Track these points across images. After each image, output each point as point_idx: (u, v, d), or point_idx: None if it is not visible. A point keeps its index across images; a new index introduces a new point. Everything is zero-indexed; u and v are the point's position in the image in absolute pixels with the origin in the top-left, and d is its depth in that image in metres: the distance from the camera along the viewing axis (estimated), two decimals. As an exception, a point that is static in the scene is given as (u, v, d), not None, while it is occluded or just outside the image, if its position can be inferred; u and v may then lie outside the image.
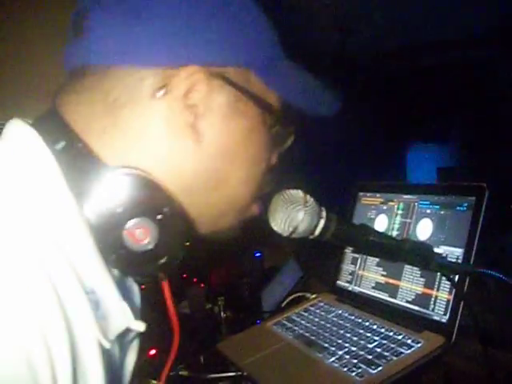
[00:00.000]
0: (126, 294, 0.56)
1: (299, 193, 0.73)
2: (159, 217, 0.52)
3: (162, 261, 0.53)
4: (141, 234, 0.51)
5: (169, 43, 0.52)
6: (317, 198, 0.76)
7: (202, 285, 1.81)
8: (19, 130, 0.52)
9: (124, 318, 0.53)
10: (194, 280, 1.83)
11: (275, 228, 0.74)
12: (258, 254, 2.24)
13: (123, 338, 0.57)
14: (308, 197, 0.74)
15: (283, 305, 1.39)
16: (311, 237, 0.75)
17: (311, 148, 3.66)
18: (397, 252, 0.77)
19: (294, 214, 0.72)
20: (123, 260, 0.52)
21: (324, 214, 0.74)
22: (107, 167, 0.51)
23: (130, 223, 0.50)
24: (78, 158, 0.51)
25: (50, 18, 2.00)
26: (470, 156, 6.13)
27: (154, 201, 0.52)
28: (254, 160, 0.61)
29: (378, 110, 5.01)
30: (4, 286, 0.41)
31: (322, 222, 0.73)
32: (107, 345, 0.49)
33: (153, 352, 1.20)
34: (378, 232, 0.78)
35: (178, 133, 0.54)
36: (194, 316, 1.57)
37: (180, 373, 1.12)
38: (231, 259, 2.03)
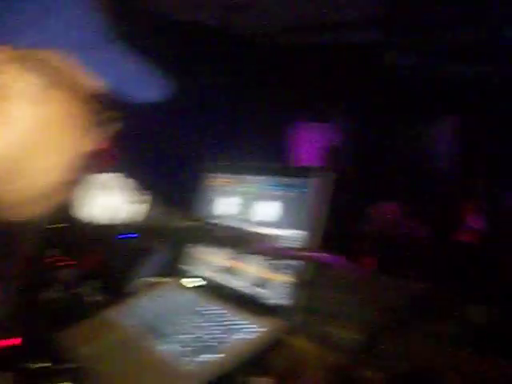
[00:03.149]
0: None
1: (110, 177, 0.67)
2: None
3: None
4: None
5: None
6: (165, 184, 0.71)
7: (73, 267, 1.72)
8: None
9: None
10: (65, 263, 1.74)
11: (87, 217, 0.67)
12: (129, 236, 2.15)
13: None
14: (122, 180, 0.68)
15: (131, 290, 1.33)
16: (121, 223, 0.69)
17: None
18: (217, 238, 0.73)
19: (103, 199, 0.66)
20: None
21: (140, 199, 0.68)
22: None
23: None
24: None
25: None
26: (354, 137, 6.38)
27: None
28: (62, 148, 0.57)
29: (260, 89, 5.03)
30: None
31: (135, 209, 0.68)
32: None
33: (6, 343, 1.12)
34: (197, 218, 0.74)
35: None
36: (64, 300, 1.48)
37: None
38: (104, 241, 1.95)
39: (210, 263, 1.15)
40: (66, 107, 0.55)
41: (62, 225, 1.25)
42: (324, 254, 0.88)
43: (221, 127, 4.52)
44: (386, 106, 5.81)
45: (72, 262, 1.69)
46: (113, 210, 0.67)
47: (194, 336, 0.94)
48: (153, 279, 1.30)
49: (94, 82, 0.57)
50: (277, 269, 0.98)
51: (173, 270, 1.27)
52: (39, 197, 0.59)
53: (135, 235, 2.02)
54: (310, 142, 6.31)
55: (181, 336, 0.95)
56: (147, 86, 0.63)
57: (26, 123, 0.52)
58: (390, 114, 5.86)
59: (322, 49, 5.37)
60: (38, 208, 0.60)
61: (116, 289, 1.59)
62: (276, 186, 1.05)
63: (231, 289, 1.07)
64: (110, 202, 0.67)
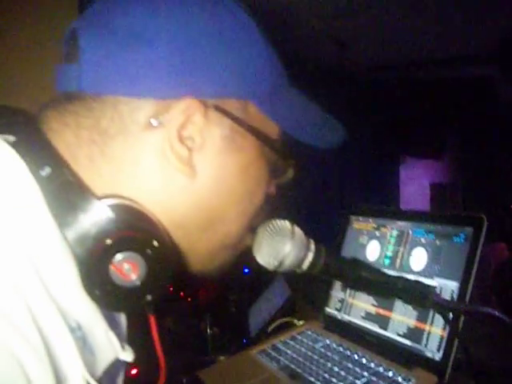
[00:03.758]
0: (112, 322, 0.52)
1: (286, 224, 0.68)
2: (148, 251, 0.48)
3: (148, 298, 0.49)
4: (128, 270, 0.47)
5: (165, 74, 0.49)
6: (305, 225, 0.71)
7: (189, 300, 1.76)
8: (1, 151, 0.47)
9: (112, 349, 0.50)
10: (181, 294, 1.78)
11: (260, 261, 0.68)
12: (246, 270, 2.18)
13: (110, 367, 0.54)
14: (296, 228, 0.69)
15: (269, 330, 1.33)
16: (298, 271, 0.70)
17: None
18: (389, 289, 0.72)
19: (280, 247, 0.66)
20: (108, 296, 0.47)
21: (312, 246, 0.69)
22: (96, 197, 0.48)
23: (117, 257, 0.47)
24: (64, 186, 0.47)
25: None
26: (464, 172, 6.14)
27: (143, 234, 0.48)
28: (250, 195, 0.58)
29: (370, 123, 5.00)
30: None
31: (310, 256, 0.68)
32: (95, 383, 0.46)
33: (134, 371, 1.16)
34: (369, 267, 0.72)
35: (170, 167, 0.51)
36: (179, 332, 1.52)
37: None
38: (219, 274, 1.98)
39: (355, 308, 1.13)
40: (249, 155, 0.56)
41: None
42: (479, 307, 0.84)
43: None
44: (500, 143, 5.55)
45: (189, 295, 1.73)
46: (280, 257, 0.67)
47: (338, 384, 0.93)
48: (294, 321, 1.30)
49: (274, 129, 0.59)
50: (427, 319, 0.95)
51: (315, 312, 1.27)
52: (227, 244, 0.60)
53: (248, 271, 2.04)
54: (419, 179, 6.16)
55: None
56: (321, 131, 0.64)
57: (213, 173, 0.53)
58: (504, 152, 5.59)
59: (433, 84, 5.26)
60: (225, 256, 0.62)
61: (237, 323, 1.60)
62: (425, 232, 1.02)
63: (377, 337, 1.05)
64: (279, 249, 0.67)
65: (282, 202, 0.69)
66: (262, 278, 1.85)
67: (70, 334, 0.44)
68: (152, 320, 0.54)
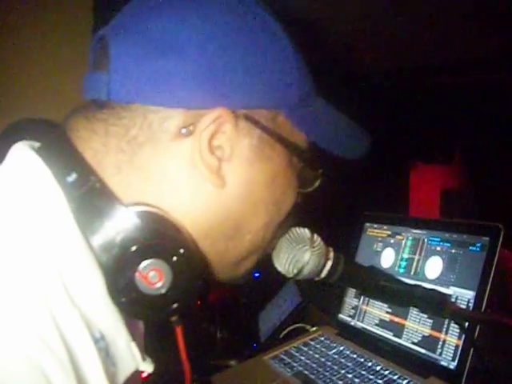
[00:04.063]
0: (131, 332, 0.51)
1: (306, 232, 0.69)
2: (174, 258, 0.47)
3: (174, 306, 0.49)
4: (154, 277, 0.47)
5: (196, 83, 0.49)
6: (322, 232, 0.71)
7: (198, 302, 1.76)
8: (25, 157, 0.48)
9: (133, 360, 0.50)
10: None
11: (279, 268, 0.69)
12: (256, 274, 2.19)
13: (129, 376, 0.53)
14: (315, 236, 0.69)
15: (281, 336, 1.33)
16: (317, 278, 0.70)
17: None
18: (407, 298, 0.72)
19: (300, 255, 0.67)
20: (133, 304, 0.47)
21: (331, 255, 0.69)
22: (122, 204, 0.48)
23: (144, 264, 0.46)
24: (90, 192, 0.47)
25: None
26: (475, 179, 6.09)
27: (170, 241, 0.48)
28: (277, 204, 0.58)
29: (380, 128, 4.96)
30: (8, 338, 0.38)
31: (328, 264, 0.68)
32: None
33: (145, 374, 1.16)
34: (387, 275, 0.73)
35: (199, 176, 0.51)
36: (188, 335, 1.52)
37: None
38: (240, 282, 1.97)
39: (368, 315, 1.13)
40: (277, 165, 0.56)
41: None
42: (496, 317, 0.83)
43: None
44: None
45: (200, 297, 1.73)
46: (299, 265, 0.67)
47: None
48: (306, 327, 1.30)
49: (301, 138, 0.58)
50: (442, 328, 0.95)
51: (327, 318, 1.27)
52: (252, 253, 0.60)
53: (258, 274, 2.03)
54: (430, 184, 6.12)
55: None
56: (348, 141, 0.63)
57: (241, 182, 0.53)
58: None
59: (444, 89, 5.23)
60: (249, 264, 0.61)
61: (247, 327, 1.60)
62: (440, 241, 1.02)
63: (391, 344, 1.05)
64: (298, 257, 0.67)
65: (302, 210, 0.69)
66: (272, 282, 1.85)
67: (93, 345, 0.43)
68: (178, 329, 0.53)
